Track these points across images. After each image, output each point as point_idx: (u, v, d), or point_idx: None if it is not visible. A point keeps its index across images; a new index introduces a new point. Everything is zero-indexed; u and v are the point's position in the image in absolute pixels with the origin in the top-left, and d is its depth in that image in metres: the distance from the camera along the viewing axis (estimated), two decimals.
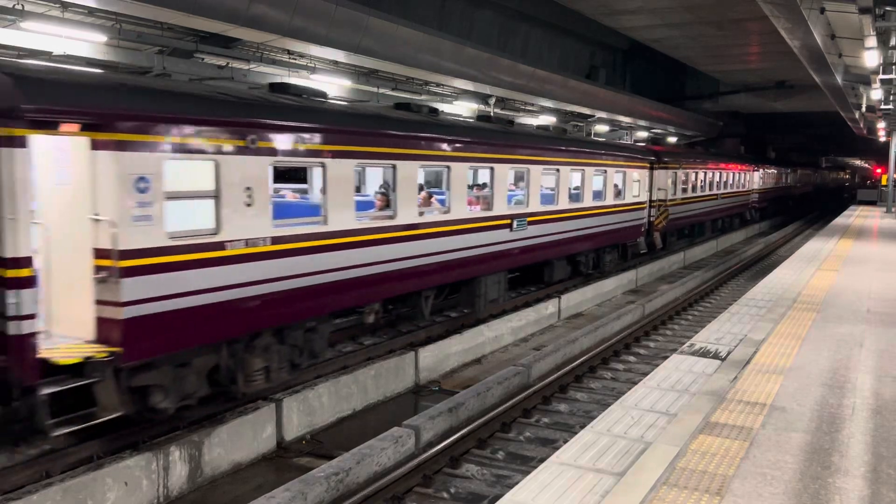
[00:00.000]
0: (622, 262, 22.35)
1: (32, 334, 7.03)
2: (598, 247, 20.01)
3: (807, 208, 58.02)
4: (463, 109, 22.37)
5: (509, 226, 14.89)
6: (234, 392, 9.09)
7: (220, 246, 8.45)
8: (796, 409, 6.53)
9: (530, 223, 15.66)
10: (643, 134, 34.90)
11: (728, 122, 42.72)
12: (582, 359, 13.21)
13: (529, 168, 15.50)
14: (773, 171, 46.67)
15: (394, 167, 11.37)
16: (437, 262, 12.64)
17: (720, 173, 32.24)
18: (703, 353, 8.58)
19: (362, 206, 11.17)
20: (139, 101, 7.75)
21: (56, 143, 7.63)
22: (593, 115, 27.73)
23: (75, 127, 7.23)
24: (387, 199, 11.63)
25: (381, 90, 18.39)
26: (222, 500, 8.21)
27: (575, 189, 18.16)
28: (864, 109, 29.56)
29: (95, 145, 7.33)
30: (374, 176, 13.50)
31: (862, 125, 38.61)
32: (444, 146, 12.78)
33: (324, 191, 10.03)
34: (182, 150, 8.00)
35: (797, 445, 5.70)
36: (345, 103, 14.15)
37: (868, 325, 9.97)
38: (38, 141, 7.24)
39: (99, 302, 7.46)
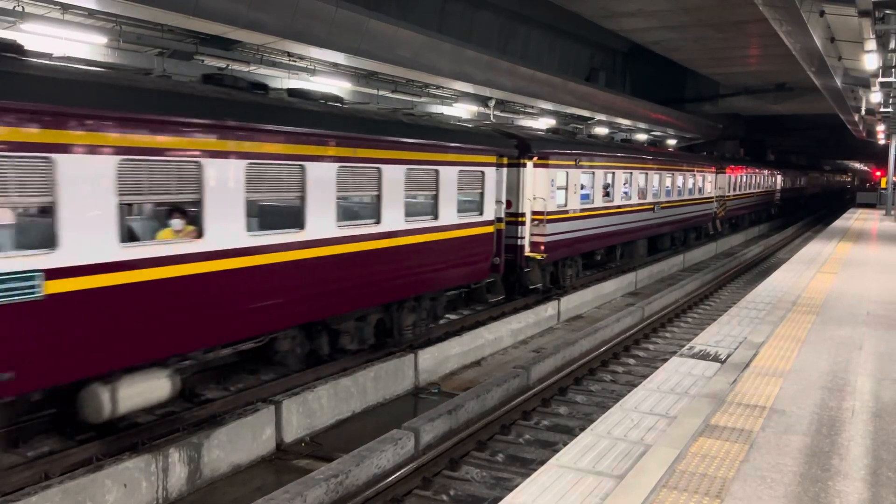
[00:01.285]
0: (697, 239, 31.39)
1: (523, 245, 16.30)
2: (688, 227, 29.69)
3: (815, 207, 64.58)
4: (463, 112, 22.38)
5: (652, 209, 24.42)
6: (558, 285, 18.49)
7: (566, 212, 17.98)
8: (796, 411, 6.53)
9: (661, 208, 25.23)
10: (642, 136, 34.90)
11: (728, 125, 42.75)
12: (581, 361, 13.22)
13: (661, 173, 25.07)
14: (791, 174, 55.92)
15: (613, 173, 20.83)
16: (624, 228, 22.15)
17: (756, 176, 40.22)
18: (703, 356, 8.57)
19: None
20: (549, 146, 17.27)
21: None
22: (593, 118, 27.74)
23: (534, 158, 16.38)
24: (606, 190, 20.58)
25: (381, 92, 18.39)
26: (221, 501, 8.20)
27: (679, 186, 27.22)
28: (863, 112, 29.58)
29: (536, 165, 16.49)
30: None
31: (861, 128, 38.64)
32: (631, 161, 22.20)
33: (591, 186, 19.56)
34: (560, 167, 17.48)
35: (797, 448, 5.70)
36: (590, 138, 25.16)
37: (867, 327, 9.97)
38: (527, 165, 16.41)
39: (533, 234, 16.59)
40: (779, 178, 48.58)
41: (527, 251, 16.44)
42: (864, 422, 6.31)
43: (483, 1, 22.59)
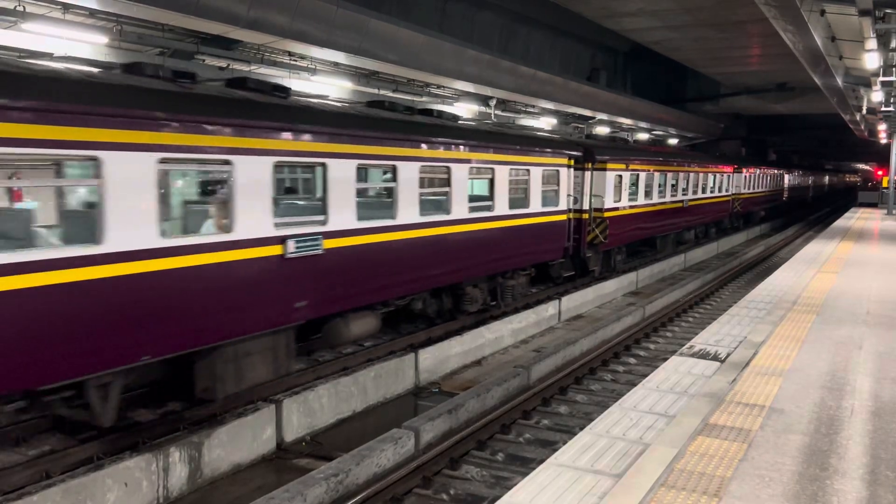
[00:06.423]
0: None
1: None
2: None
3: (835, 199, 76.73)
4: (463, 111, 22.38)
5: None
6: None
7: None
8: (795, 410, 6.54)
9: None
10: (643, 136, 34.92)
11: (729, 124, 42.74)
12: (582, 361, 13.23)
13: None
14: (827, 174, 68.25)
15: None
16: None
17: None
18: (703, 355, 8.58)
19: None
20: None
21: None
22: (594, 117, 27.75)
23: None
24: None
25: (382, 91, 18.40)
26: (222, 500, 8.22)
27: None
28: (864, 111, 29.57)
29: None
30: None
31: (863, 127, 38.63)
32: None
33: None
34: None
35: (795, 447, 5.70)
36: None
37: (867, 327, 9.97)
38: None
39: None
40: (825, 178, 51.01)
41: None
42: (863, 421, 6.32)
43: (484, 1, 22.59)
